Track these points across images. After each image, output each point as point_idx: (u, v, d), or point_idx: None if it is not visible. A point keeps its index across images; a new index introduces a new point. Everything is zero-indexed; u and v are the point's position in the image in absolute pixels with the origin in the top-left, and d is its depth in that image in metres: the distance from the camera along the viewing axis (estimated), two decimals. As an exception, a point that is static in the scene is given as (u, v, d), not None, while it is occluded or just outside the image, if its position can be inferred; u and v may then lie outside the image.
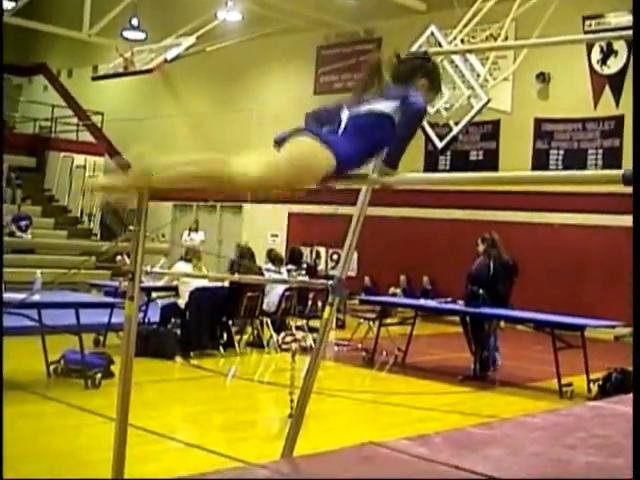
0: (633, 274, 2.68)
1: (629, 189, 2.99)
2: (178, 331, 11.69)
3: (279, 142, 3.55)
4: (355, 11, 20.21)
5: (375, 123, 3.54)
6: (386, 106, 3.54)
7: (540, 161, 18.44)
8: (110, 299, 11.52)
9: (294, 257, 14.52)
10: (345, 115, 3.59)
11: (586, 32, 17.46)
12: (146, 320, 12.11)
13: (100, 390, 8.60)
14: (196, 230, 19.93)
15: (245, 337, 12.52)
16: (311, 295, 13.23)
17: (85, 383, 8.67)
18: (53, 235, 20.90)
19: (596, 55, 17.92)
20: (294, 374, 7.12)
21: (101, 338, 11.40)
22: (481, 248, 11.59)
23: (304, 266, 15.10)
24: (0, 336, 6.12)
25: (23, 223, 20.01)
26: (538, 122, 18.72)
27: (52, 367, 9.03)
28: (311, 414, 5.11)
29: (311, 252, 19.74)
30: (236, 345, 11.96)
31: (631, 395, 7.73)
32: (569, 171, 3.54)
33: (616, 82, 17.67)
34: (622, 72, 17.61)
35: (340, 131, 3.54)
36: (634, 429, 2.66)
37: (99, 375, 8.77)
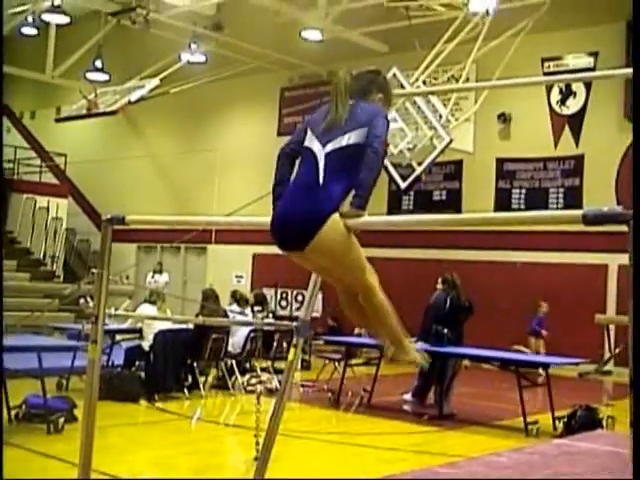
0: (633, 275, 2.70)
1: (589, 228, 3.03)
2: (142, 374, 11.58)
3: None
4: (318, 53, 20.39)
5: (354, 157, 3.56)
6: (358, 135, 3.59)
7: (502, 200, 18.62)
8: (73, 342, 11.42)
9: (258, 300, 14.52)
10: (321, 154, 3.61)
11: (545, 73, 17.75)
12: (110, 363, 11.99)
13: (63, 435, 8.48)
14: (160, 272, 19.85)
15: (210, 379, 12.43)
16: (276, 336, 13.19)
17: (48, 428, 8.54)
18: (15, 277, 20.68)
19: (555, 96, 18.20)
20: (260, 416, 7.07)
21: (64, 382, 11.25)
22: (440, 287, 11.71)
23: (270, 308, 15.08)
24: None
25: (-16, 266, 19.80)
26: (500, 162, 18.93)
27: (14, 412, 8.88)
28: (277, 456, 5.08)
29: (275, 293, 19.70)
30: (201, 387, 11.87)
31: (597, 431, 7.79)
32: (532, 212, 3.58)
33: (575, 122, 17.95)
34: (581, 112, 17.89)
35: (321, 180, 3.54)
36: (634, 431, 2.67)
37: (62, 420, 8.64)
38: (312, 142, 3.69)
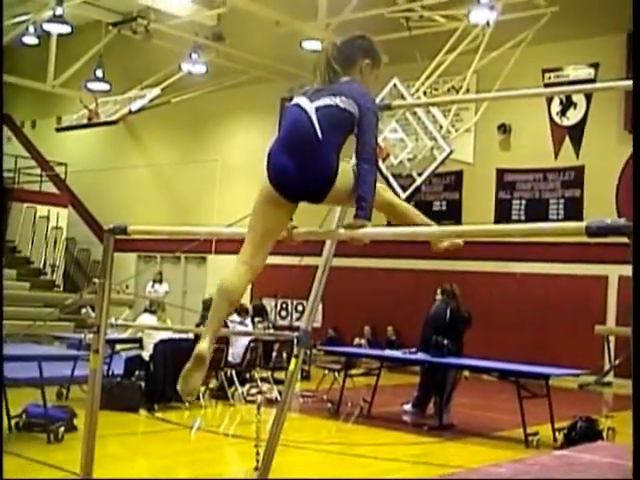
0: (633, 277, 2.71)
1: (591, 239, 3.04)
2: (142, 383, 11.57)
3: None
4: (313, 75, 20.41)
5: (344, 120, 3.66)
6: (346, 103, 3.65)
7: (503, 211, 18.63)
8: (73, 351, 11.40)
9: (258, 311, 14.53)
10: (310, 107, 3.68)
11: (546, 85, 17.78)
12: (110, 372, 11.98)
13: (63, 444, 8.47)
14: (160, 282, 19.83)
15: (210, 389, 12.41)
16: (276, 346, 13.18)
17: (48, 437, 8.53)
18: (15, 287, 20.66)
19: (556, 107, 18.22)
20: (260, 426, 7.06)
21: (64, 391, 11.25)
22: (439, 297, 11.72)
23: (270, 318, 15.09)
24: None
25: (-15, 275, 19.79)
26: (500, 172, 18.94)
27: (14, 421, 8.88)
28: (277, 467, 5.07)
29: (275, 303, 19.70)
30: (201, 397, 11.85)
31: (597, 443, 7.79)
32: (535, 224, 3.57)
33: (576, 133, 17.96)
34: (581, 123, 17.90)
35: (320, 135, 3.61)
36: (634, 430, 2.68)
37: (62, 429, 8.63)
38: (299, 99, 3.76)
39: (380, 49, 3.98)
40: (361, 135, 3.64)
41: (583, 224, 2.85)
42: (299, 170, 3.62)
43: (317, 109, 3.65)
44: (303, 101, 3.72)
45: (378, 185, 3.79)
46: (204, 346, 3.72)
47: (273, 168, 3.72)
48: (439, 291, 11.85)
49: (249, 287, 16.07)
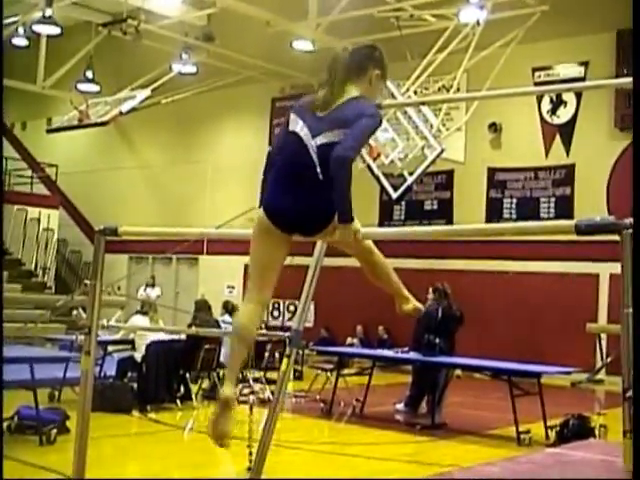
0: (633, 276, 2.71)
1: (580, 237, 3.04)
2: (135, 385, 11.56)
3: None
4: (309, 63, 20.38)
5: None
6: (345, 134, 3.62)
7: (494, 210, 18.65)
8: (65, 353, 11.38)
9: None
10: (311, 144, 3.66)
11: (536, 83, 17.81)
12: (102, 374, 11.96)
13: (55, 446, 8.46)
14: (152, 285, 19.81)
15: (202, 389, 12.40)
16: (268, 347, 13.17)
17: (40, 439, 8.52)
18: (7, 289, 20.60)
19: (546, 105, 18.25)
20: (252, 427, 7.06)
21: (56, 393, 11.23)
22: (431, 296, 11.73)
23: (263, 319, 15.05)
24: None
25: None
26: (491, 171, 18.96)
27: (6, 424, 8.85)
28: (270, 467, 5.08)
29: (267, 304, 19.67)
30: (193, 398, 11.85)
31: (589, 440, 7.79)
32: (525, 222, 3.60)
33: (566, 131, 17.99)
34: (572, 122, 17.93)
35: (320, 175, 3.61)
36: (634, 430, 2.68)
37: (54, 431, 8.62)
38: (299, 127, 3.74)
39: (387, 62, 4.00)
40: (350, 134, 3.58)
41: (572, 222, 2.86)
42: (298, 208, 3.65)
43: (318, 147, 3.64)
44: (304, 132, 3.70)
45: (360, 229, 3.75)
46: (229, 391, 3.80)
47: (271, 202, 3.75)
48: (431, 290, 11.86)
49: (241, 288, 15.99)
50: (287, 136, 3.78)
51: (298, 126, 3.74)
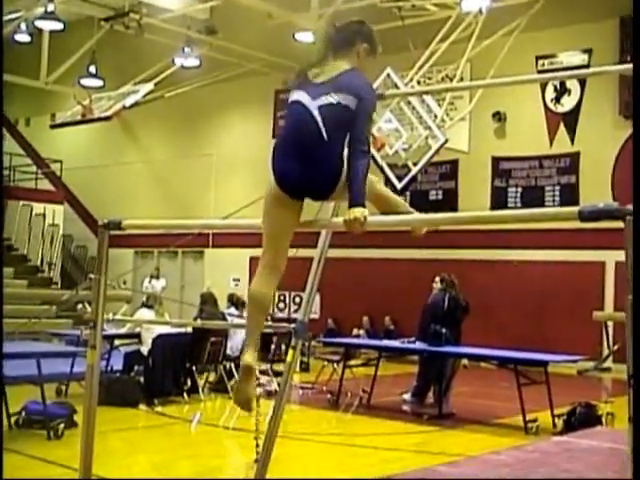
0: (632, 276, 2.71)
1: (586, 225, 3.04)
2: (141, 378, 11.58)
3: None
4: (312, 54, 20.37)
5: (346, 118, 3.67)
6: (346, 99, 3.67)
7: (499, 199, 18.63)
8: (72, 348, 11.39)
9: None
10: (313, 105, 3.71)
11: (539, 71, 17.75)
12: (109, 368, 11.99)
13: (63, 440, 8.48)
14: (157, 277, 19.81)
15: (209, 382, 12.42)
16: (274, 339, 13.18)
17: (47, 434, 8.54)
18: (13, 284, 20.65)
19: (550, 94, 18.21)
20: (259, 419, 7.06)
21: (63, 388, 11.25)
22: (438, 286, 11.72)
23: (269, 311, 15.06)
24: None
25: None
26: (496, 160, 18.93)
27: (13, 419, 8.88)
28: (277, 458, 5.08)
29: (273, 295, 19.68)
30: (200, 391, 11.87)
31: (596, 428, 7.80)
32: (527, 209, 3.59)
33: (570, 120, 17.95)
34: (576, 110, 17.89)
35: (325, 135, 3.65)
36: (634, 431, 2.67)
37: (62, 425, 8.63)
38: (300, 95, 3.79)
39: (377, 38, 4.01)
40: (355, 122, 3.64)
41: (576, 209, 2.85)
42: (305, 170, 3.67)
43: (320, 108, 3.68)
44: (304, 98, 3.75)
45: (372, 177, 3.82)
46: (249, 358, 3.84)
47: (278, 168, 3.78)
48: (438, 279, 11.85)
49: (246, 280, 16.04)
50: (289, 107, 3.85)
51: (298, 94, 3.80)
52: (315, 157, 3.67)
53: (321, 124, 3.65)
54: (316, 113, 3.67)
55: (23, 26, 21.03)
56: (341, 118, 3.66)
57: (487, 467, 5.39)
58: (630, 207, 2.72)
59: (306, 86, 3.81)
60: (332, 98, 3.67)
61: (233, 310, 13.42)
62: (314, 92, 3.74)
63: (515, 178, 18.68)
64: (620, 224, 2.78)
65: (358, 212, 3.56)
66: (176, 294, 22.46)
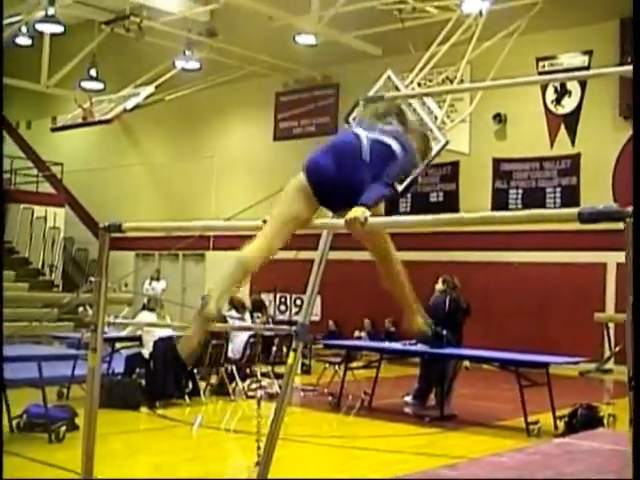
0: (633, 274, 2.71)
1: (586, 226, 3.04)
2: (143, 381, 11.58)
3: None
4: (312, 57, 20.41)
5: (386, 156, 3.95)
6: (393, 143, 4.02)
7: (500, 201, 18.62)
8: (73, 351, 11.39)
9: (256, 306, 14.53)
10: (363, 134, 4.00)
11: (540, 73, 17.75)
12: (110, 371, 11.98)
13: (64, 443, 8.47)
14: (157, 279, 19.82)
15: (210, 385, 12.42)
16: (276, 341, 13.18)
17: (49, 437, 8.54)
18: (14, 287, 20.65)
19: (550, 95, 18.21)
20: (260, 421, 7.06)
21: (65, 391, 11.25)
22: (440, 286, 11.72)
23: (269, 313, 15.07)
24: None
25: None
26: (496, 162, 18.93)
27: (15, 422, 8.88)
28: (278, 461, 5.08)
29: (274, 298, 19.71)
30: (202, 393, 11.87)
31: (598, 430, 7.79)
32: (528, 211, 3.59)
33: (571, 121, 17.96)
34: (576, 111, 17.90)
35: (367, 157, 3.91)
36: (634, 431, 2.67)
37: (63, 428, 8.63)
38: (356, 129, 4.09)
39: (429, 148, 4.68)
40: (392, 164, 3.94)
41: (575, 210, 2.85)
42: (338, 174, 3.85)
43: (368, 137, 3.98)
44: (358, 130, 4.05)
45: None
46: (213, 308, 3.72)
47: (315, 163, 3.95)
48: (440, 280, 11.85)
49: (248, 283, 15.96)
50: (342, 132, 4.34)
51: (355, 129, 4.12)
52: (350, 168, 3.86)
53: (366, 147, 3.91)
54: (365, 140, 3.95)
55: (24, 29, 21.05)
56: (384, 152, 3.94)
57: (489, 469, 5.38)
58: (630, 209, 2.72)
59: (362, 124, 4.19)
60: (382, 137, 4.02)
61: (234, 313, 13.40)
62: (368, 128, 4.08)
63: (516, 180, 18.68)
64: (621, 225, 2.78)
65: (359, 211, 3.61)
66: (177, 297, 22.45)
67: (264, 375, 13.01)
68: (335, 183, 3.84)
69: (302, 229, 3.95)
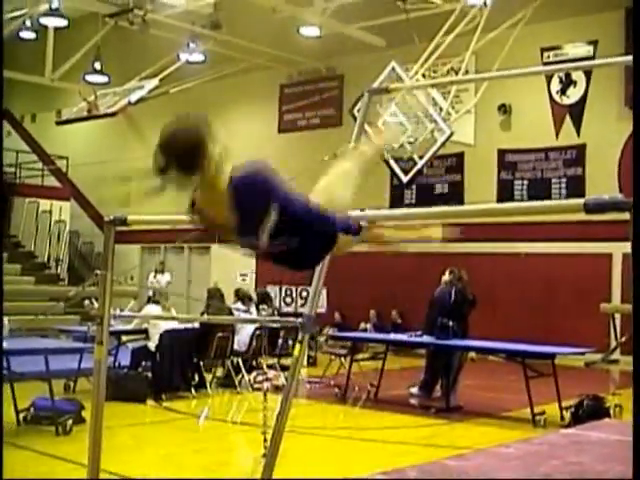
0: (633, 274, 2.71)
1: (592, 217, 3.03)
2: (149, 374, 11.60)
3: None
4: (316, 49, 20.37)
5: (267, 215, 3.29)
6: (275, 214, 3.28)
7: (505, 192, 18.60)
8: (79, 344, 11.42)
9: (262, 298, 14.55)
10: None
11: (545, 63, 17.71)
12: (117, 364, 12.01)
13: (71, 436, 8.50)
14: (162, 272, 19.83)
15: (217, 377, 12.44)
16: (282, 333, 13.19)
17: (56, 430, 8.57)
18: (20, 281, 20.70)
19: (555, 85, 18.17)
20: (267, 413, 7.07)
21: (71, 384, 11.28)
22: (447, 278, 11.72)
23: (274, 305, 15.09)
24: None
25: (-11, 270, 19.80)
26: (502, 153, 18.90)
27: (22, 415, 8.91)
28: (285, 453, 5.09)
29: (280, 290, 19.71)
30: (208, 386, 11.89)
31: (604, 420, 7.79)
32: (534, 202, 3.59)
33: (576, 112, 17.92)
34: (582, 101, 17.86)
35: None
36: (634, 431, 2.68)
37: (70, 421, 8.66)
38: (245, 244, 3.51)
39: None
40: (293, 207, 3.26)
41: (581, 201, 2.84)
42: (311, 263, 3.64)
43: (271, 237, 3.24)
44: (251, 245, 3.38)
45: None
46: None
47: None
48: (447, 272, 11.85)
49: (253, 275, 15.89)
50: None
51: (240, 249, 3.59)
52: (305, 256, 3.46)
53: (285, 246, 3.32)
54: (274, 244, 3.30)
55: (28, 23, 21.03)
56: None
57: (495, 460, 5.39)
58: (635, 199, 2.72)
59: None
60: (266, 226, 3.27)
61: (240, 305, 13.43)
62: (247, 233, 3.34)
63: (521, 170, 18.65)
64: (626, 215, 2.78)
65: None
66: (183, 289, 22.47)
67: (270, 367, 13.02)
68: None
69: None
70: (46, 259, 23.51)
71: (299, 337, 4.93)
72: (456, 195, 19.27)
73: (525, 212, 3.60)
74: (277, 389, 10.95)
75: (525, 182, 18.58)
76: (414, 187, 19.08)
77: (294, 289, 20.28)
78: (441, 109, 15.40)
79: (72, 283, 22.29)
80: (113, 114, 19.92)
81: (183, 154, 3.38)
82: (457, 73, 17.02)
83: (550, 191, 18.08)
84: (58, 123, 23.31)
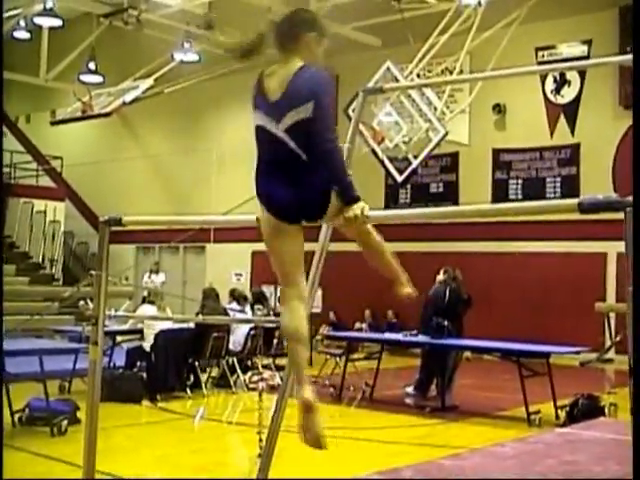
0: (633, 274, 2.71)
1: (586, 216, 3.04)
2: (144, 374, 11.59)
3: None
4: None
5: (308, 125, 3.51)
6: (307, 110, 3.51)
7: (500, 191, 18.62)
8: (74, 345, 11.41)
9: (257, 298, 14.55)
10: (279, 131, 3.56)
11: (539, 63, 17.74)
12: (112, 364, 12.00)
13: (66, 437, 8.49)
14: (157, 272, 19.82)
15: (212, 378, 12.43)
16: (277, 333, 13.19)
17: (51, 431, 8.56)
18: (15, 282, 20.65)
19: (550, 85, 18.19)
20: (262, 413, 7.06)
21: (66, 384, 11.27)
22: (441, 277, 11.73)
23: (270, 305, 15.08)
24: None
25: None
26: (496, 152, 18.92)
27: (17, 416, 8.90)
28: (280, 452, 5.09)
29: (275, 290, 19.70)
30: (203, 386, 11.88)
31: (599, 419, 7.80)
32: (527, 202, 3.57)
33: (570, 111, 17.94)
34: (576, 101, 17.88)
35: (304, 156, 3.51)
36: (634, 431, 2.68)
37: (65, 422, 8.65)
38: (262, 120, 3.65)
39: (322, 21, 3.92)
40: (319, 122, 3.48)
41: (576, 201, 2.85)
42: (294, 195, 3.52)
43: (287, 131, 3.52)
44: (268, 124, 3.58)
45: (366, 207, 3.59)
46: (306, 394, 3.71)
47: (266, 196, 3.62)
48: (442, 271, 11.85)
49: (248, 275, 15.97)
50: (257, 132, 3.68)
51: (260, 118, 3.65)
52: (301, 180, 3.51)
53: (294, 146, 3.51)
54: (286, 138, 3.52)
55: (22, 23, 21.00)
56: (308, 134, 3.50)
57: (491, 459, 5.40)
58: (630, 199, 2.72)
59: (265, 106, 3.64)
60: (295, 116, 3.51)
61: (235, 305, 13.43)
62: (275, 113, 3.58)
63: (516, 170, 18.67)
64: (621, 215, 2.78)
65: (357, 208, 3.44)
66: (178, 289, 22.45)
67: (265, 367, 13.02)
68: (297, 205, 3.55)
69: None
70: (41, 259, 23.48)
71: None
72: (451, 195, 19.29)
73: (519, 212, 3.60)
74: (272, 389, 10.94)
75: (520, 181, 18.60)
76: (409, 187, 19.10)
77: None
78: (436, 109, 15.42)
79: (67, 283, 22.28)
80: (108, 114, 19.90)
81: (296, 25, 3.85)
82: (452, 73, 17.03)
83: (544, 190, 18.11)
84: (53, 123, 23.27)
